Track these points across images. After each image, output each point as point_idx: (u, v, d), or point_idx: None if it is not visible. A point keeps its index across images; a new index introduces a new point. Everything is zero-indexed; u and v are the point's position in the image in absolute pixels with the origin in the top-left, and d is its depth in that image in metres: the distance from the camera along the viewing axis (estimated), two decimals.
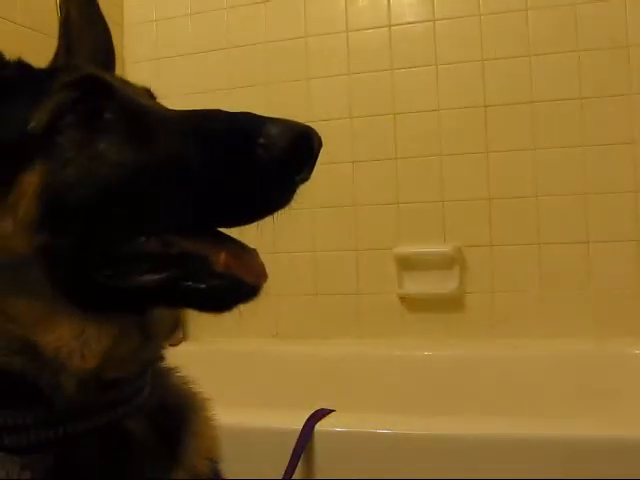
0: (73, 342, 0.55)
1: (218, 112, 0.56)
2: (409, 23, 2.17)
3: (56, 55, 0.74)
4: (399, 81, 2.17)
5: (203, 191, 0.53)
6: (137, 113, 0.58)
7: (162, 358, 0.66)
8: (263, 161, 0.51)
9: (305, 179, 0.55)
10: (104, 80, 0.60)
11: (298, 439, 1.28)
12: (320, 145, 0.54)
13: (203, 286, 0.53)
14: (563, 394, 1.81)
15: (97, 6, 0.75)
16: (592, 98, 2.00)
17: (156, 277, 0.54)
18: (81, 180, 0.54)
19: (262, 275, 0.56)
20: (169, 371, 0.69)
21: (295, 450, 1.27)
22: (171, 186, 0.54)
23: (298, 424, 1.31)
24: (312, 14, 2.26)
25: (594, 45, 1.99)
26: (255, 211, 0.55)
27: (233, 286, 0.54)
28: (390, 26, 2.18)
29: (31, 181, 0.55)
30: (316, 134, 0.54)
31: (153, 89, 0.68)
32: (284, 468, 1.26)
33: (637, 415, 1.61)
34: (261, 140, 0.51)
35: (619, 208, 1.98)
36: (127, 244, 0.54)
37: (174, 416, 0.65)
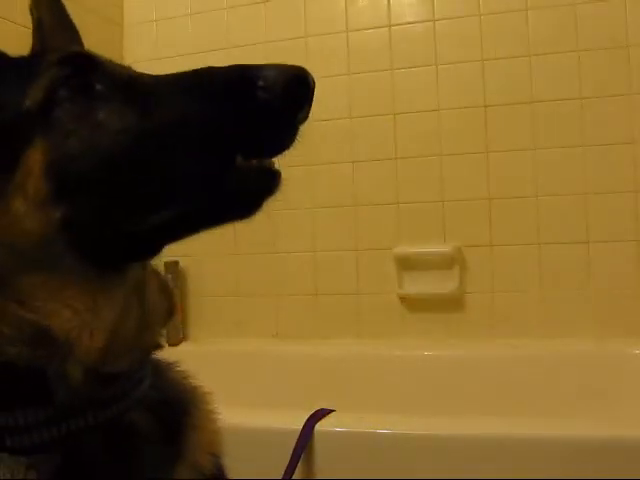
0: (85, 314, 0.56)
1: (209, 68, 0.57)
2: (409, 23, 2.17)
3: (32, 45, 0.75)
4: (399, 81, 2.17)
5: (212, 142, 0.54)
6: (129, 81, 0.59)
7: (159, 346, 0.66)
8: (266, 102, 0.53)
9: (305, 118, 0.57)
10: (91, 56, 0.61)
11: (298, 439, 1.28)
12: (314, 83, 0.57)
13: (226, 188, 0.55)
14: (563, 394, 1.81)
15: (66, 10, 0.76)
16: (592, 98, 2.00)
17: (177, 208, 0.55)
18: (85, 150, 0.55)
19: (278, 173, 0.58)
20: (168, 365, 0.70)
21: (295, 450, 1.27)
22: (179, 142, 0.54)
23: (298, 424, 1.31)
24: (312, 14, 2.26)
25: (594, 45, 1.99)
26: (265, 154, 0.56)
27: (254, 176, 0.56)
28: (390, 26, 2.18)
29: (35, 158, 0.55)
30: (309, 73, 0.56)
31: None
32: (284, 468, 1.26)
33: (637, 415, 1.61)
34: (260, 83, 0.53)
35: (619, 208, 1.98)
36: (149, 203, 0.55)
37: (175, 410, 0.65)
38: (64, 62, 0.59)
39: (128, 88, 0.58)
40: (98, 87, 0.58)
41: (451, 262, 2.08)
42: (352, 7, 2.23)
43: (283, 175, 0.57)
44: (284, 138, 0.56)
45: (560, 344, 1.97)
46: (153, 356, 0.66)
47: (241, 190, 0.56)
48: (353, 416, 1.42)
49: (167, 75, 0.59)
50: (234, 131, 0.54)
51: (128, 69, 0.64)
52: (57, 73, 0.58)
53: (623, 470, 1.16)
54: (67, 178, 0.55)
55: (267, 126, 0.54)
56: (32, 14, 0.73)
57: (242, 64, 0.56)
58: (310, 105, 0.57)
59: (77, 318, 0.56)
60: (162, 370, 0.68)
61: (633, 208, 1.97)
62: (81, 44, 0.78)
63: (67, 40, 0.75)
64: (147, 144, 0.55)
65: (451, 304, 2.11)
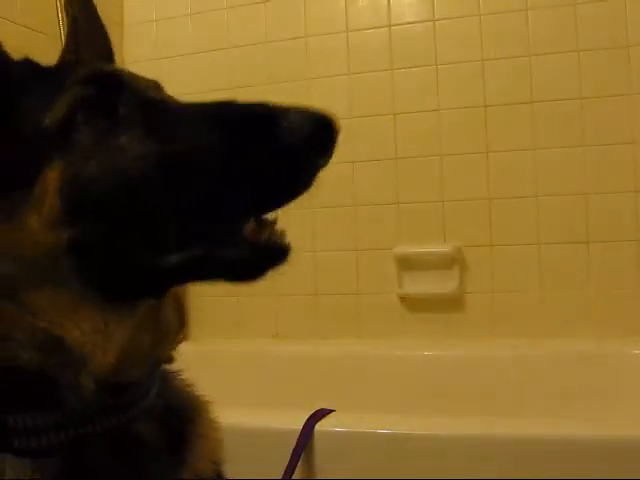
0: (96, 335, 0.56)
1: (236, 102, 0.57)
2: (409, 23, 2.17)
3: (62, 57, 0.74)
4: (399, 81, 2.17)
5: (230, 178, 0.53)
6: (154, 105, 0.58)
7: (171, 359, 0.66)
8: (288, 145, 0.53)
9: (325, 163, 0.56)
10: (116, 74, 0.60)
11: (298, 439, 1.28)
12: (339, 131, 0.55)
13: (234, 256, 0.55)
14: (563, 394, 1.81)
15: (96, 10, 0.76)
16: (592, 98, 2.00)
17: (186, 253, 0.55)
18: (104, 174, 0.54)
19: (285, 237, 0.58)
20: (172, 373, 0.70)
21: (295, 450, 1.27)
22: (197, 175, 0.54)
23: (298, 424, 1.31)
24: (312, 14, 2.26)
25: (594, 45, 1.99)
26: (282, 195, 0.56)
27: (263, 251, 0.57)
28: (390, 26, 2.18)
29: (53, 177, 0.55)
30: (335, 120, 0.55)
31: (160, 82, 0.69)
32: (284, 468, 1.26)
33: (637, 415, 1.61)
34: (285, 124, 0.52)
35: (619, 208, 1.98)
36: (160, 238, 0.55)
37: (180, 417, 0.65)
38: (89, 81, 0.58)
39: (152, 114, 0.58)
40: (122, 109, 0.57)
41: (451, 262, 2.08)
42: (352, 7, 2.23)
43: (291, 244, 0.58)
44: (303, 182, 0.56)
45: (560, 344, 1.97)
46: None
47: (249, 262, 0.57)
48: (353, 416, 1.42)
49: (192, 104, 0.59)
50: (254, 172, 0.54)
51: (155, 89, 0.63)
52: (81, 92, 0.57)
53: (623, 470, 1.16)
54: (79, 201, 0.55)
55: (284, 168, 0.54)
56: (67, 12, 0.73)
57: (268, 104, 0.55)
58: (332, 152, 0.56)
59: (89, 337, 0.56)
60: (167, 378, 0.68)
61: (633, 208, 1.97)
62: (110, 44, 0.77)
63: (97, 41, 0.75)
64: (163, 175, 0.54)
65: (451, 304, 2.11)
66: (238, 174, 0.53)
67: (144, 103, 0.58)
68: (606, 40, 1.98)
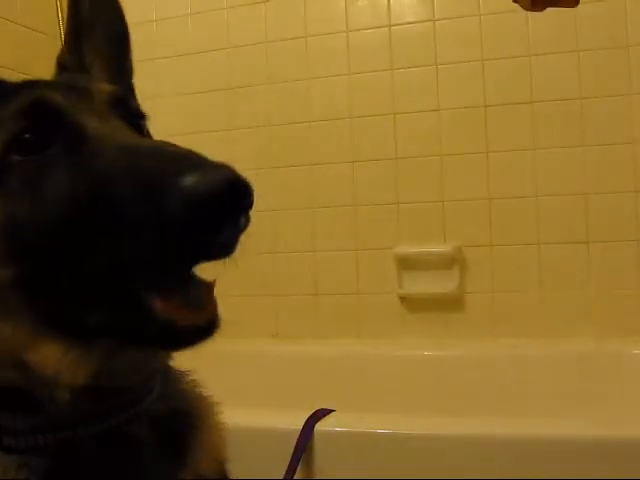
0: (60, 363, 0.55)
1: (154, 149, 0.52)
2: (409, 23, 2.17)
3: (66, 41, 0.73)
4: (399, 81, 2.17)
5: (123, 234, 0.49)
6: (82, 142, 0.55)
7: (169, 367, 0.66)
8: (172, 215, 0.46)
9: (237, 231, 0.50)
10: (54, 105, 0.58)
11: (298, 439, 1.28)
12: (244, 196, 0.48)
13: (143, 330, 0.51)
14: (563, 394, 1.81)
15: None
16: (592, 98, 2.00)
17: (99, 316, 0.52)
18: (31, 216, 0.53)
19: (204, 313, 0.52)
20: (180, 375, 0.69)
21: (295, 450, 1.27)
22: (97, 224, 0.50)
23: (298, 424, 1.31)
24: (312, 14, 2.26)
25: (594, 45, 1.99)
26: (167, 264, 0.49)
27: (170, 330, 0.51)
28: (390, 26, 2.18)
29: None
30: (235, 186, 0.47)
31: (121, 91, 0.66)
32: (284, 468, 1.26)
33: (637, 415, 1.61)
34: (172, 193, 0.46)
35: (619, 208, 1.98)
36: (84, 280, 0.52)
37: (183, 422, 0.65)
38: (24, 113, 0.56)
39: (78, 150, 0.54)
40: (52, 144, 0.55)
41: (451, 262, 2.08)
42: (352, 7, 2.23)
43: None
44: (189, 251, 0.49)
45: (560, 344, 1.98)
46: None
47: (161, 342, 0.53)
48: (353, 416, 1.42)
49: (118, 141, 0.55)
50: (136, 231, 0.48)
51: (102, 107, 0.60)
52: (13, 128, 0.56)
53: (623, 470, 1.16)
54: (13, 240, 0.54)
55: (169, 237, 0.47)
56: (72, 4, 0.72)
57: (187, 157, 0.49)
58: (237, 220, 0.49)
59: (52, 364, 0.55)
60: (172, 381, 0.67)
61: (633, 208, 1.97)
62: (124, 24, 0.78)
63: (107, 22, 0.75)
64: (75, 215, 0.51)
65: (451, 304, 2.11)
66: (128, 232, 0.48)
67: (75, 139, 0.55)
68: (606, 40, 1.98)
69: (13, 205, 0.54)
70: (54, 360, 0.55)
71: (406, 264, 2.13)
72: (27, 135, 0.56)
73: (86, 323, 0.52)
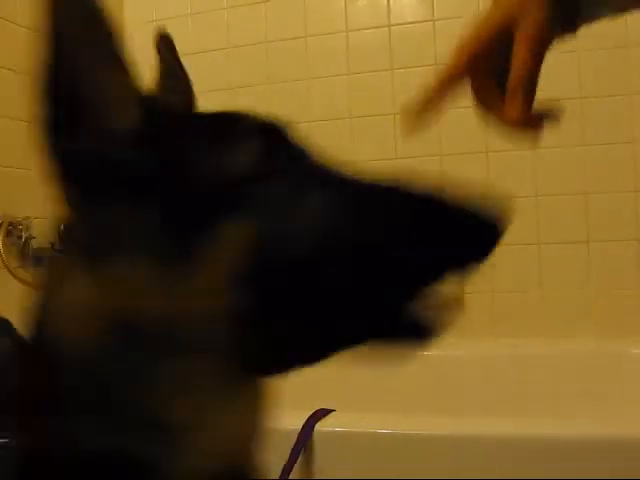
0: (207, 415, 0.51)
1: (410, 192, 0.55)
2: (409, 23, 2.17)
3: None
4: (399, 81, 2.17)
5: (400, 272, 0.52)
6: (323, 174, 0.54)
7: None
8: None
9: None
10: (284, 129, 0.55)
11: (298, 439, 1.28)
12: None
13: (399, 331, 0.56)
14: (563, 394, 1.81)
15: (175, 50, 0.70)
16: (592, 98, 2.00)
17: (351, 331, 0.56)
18: (291, 239, 0.48)
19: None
20: None
21: (294, 450, 1.27)
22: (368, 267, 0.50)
23: (298, 424, 1.31)
24: (312, 14, 2.26)
25: (594, 45, 1.99)
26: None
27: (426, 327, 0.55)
28: (390, 26, 2.18)
29: (237, 235, 0.47)
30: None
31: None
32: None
33: (637, 415, 1.61)
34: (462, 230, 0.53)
35: (619, 208, 1.98)
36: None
37: None
38: (263, 131, 0.52)
39: (323, 180, 0.53)
40: (291, 167, 0.52)
41: None
42: (352, 7, 2.23)
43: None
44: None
45: (560, 344, 1.98)
46: None
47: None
48: (353, 416, 1.42)
49: (360, 178, 0.57)
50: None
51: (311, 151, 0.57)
52: (260, 143, 0.51)
53: (623, 470, 1.16)
54: (262, 263, 0.47)
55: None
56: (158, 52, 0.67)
57: (443, 197, 0.52)
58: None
59: (197, 416, 0.50)
60: None
61: (633, 208, 1.97)
62: (189, 84, 0.72)
63: (179, 79, 0.70)
64: (344, 249, 0.49)
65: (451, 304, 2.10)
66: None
67: (312, 170, 0.54)
68: (606, 40, 1.98)
69: (270, 224, 0.47)
70: (200, 410, 0.50)
71: None
72: (273, 152, 0.52)
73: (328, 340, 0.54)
